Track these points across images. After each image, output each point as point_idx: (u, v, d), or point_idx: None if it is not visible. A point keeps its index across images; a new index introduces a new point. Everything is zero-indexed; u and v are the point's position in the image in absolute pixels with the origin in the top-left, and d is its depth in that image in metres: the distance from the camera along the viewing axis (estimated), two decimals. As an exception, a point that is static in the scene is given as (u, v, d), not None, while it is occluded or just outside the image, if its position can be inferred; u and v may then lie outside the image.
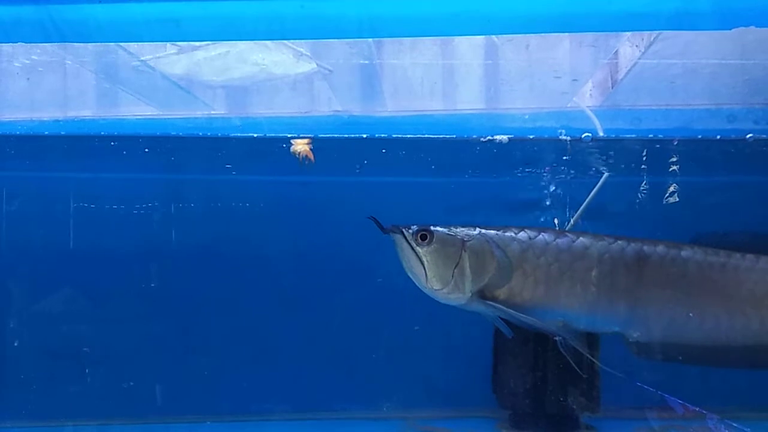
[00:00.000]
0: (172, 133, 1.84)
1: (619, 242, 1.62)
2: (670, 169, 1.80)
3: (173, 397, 2.15)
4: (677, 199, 1.71)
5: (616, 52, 1.70)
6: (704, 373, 1.85)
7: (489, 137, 1.78)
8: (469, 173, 2.04)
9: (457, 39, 1.69)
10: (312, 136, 1.83)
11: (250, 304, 2.17)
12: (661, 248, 1.62)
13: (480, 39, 1.67)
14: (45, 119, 1.90)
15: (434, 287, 1.61)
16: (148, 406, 2.14)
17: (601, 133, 1.78)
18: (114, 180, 2.21)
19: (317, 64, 1.71)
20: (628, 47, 1.67)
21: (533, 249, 1.61)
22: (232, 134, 1.86)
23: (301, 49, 1.65)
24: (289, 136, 1.81)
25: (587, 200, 1.77)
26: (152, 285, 2.13)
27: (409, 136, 1.84)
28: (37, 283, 2.16)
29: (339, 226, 1.98)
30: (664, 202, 1.72)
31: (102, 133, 1.83)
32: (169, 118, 1.94)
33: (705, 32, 1.42)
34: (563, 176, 1.82)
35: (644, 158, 1.82)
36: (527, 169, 1.85)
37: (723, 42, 1.55)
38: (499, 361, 1.86)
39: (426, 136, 1.85)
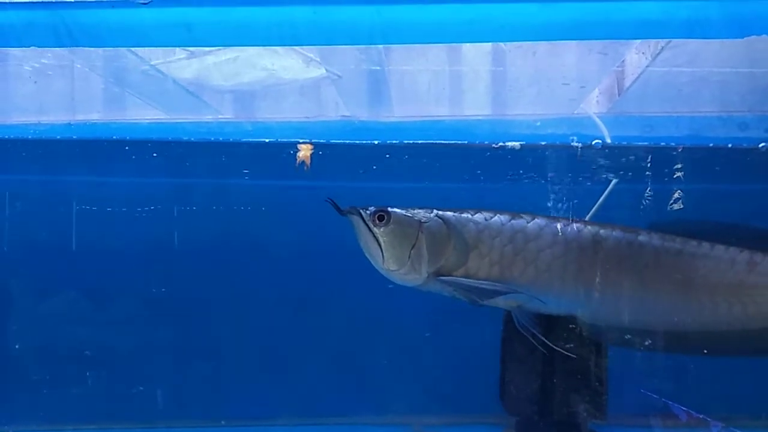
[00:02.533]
0: (184, 138, 1.85)
1: (575, 225, 1.63)
2: (675, 176, 1.80)
3: (178, 401, 2.15)
4: (682, 206, 1.71)
5: (623, 59, 1.70)
6: (709, 380, 1.84)
7: (501, 143, 1.78)
8: (481, 179, 2.04)
9: (465, 45, 1.70)
10: (323, 141, 1.83)
11: (257, 309, 2.16)
12: (617, 232, 1.63)
13: (487, 45, 1.67)
14: (52, 122, 1.91)
15: (391, 268, 1.61)
16: (152, 410, 2.13)
17: (608, 140, 1.78)
18: (120, 183, 2.21)
19: (326, 70, 1.71)
20: (635, 54, 1.67)
21: (489, 230, 1.62)
22: (244, 139, 1.86)
23: (311, 55, 1.65)
24: (300, 141, 1.81)
25: (596, 206, 1.78)
26: (163, 289, 2.13)
27: (420, 142, 1.84)
28: (44, 287, 2.15)
29: (347, 231, 1.97)
30: (669, 209, 1.73)
31: (114, 137, 1.84)
32: (177, 122, 1.95)
33: (713, 40, 1.42)
34: (572, 183, 1.82)
35: (649, 164, 1.82)
36: (537, 175, 1.86)
37: (732, 50, 1.55)
38: (506, 367, 1.85)
39: (438, 142, 1.86)
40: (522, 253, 1.60)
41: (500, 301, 1.64)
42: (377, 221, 1.61)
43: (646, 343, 1.65)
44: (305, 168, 1.84)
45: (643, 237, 1.63)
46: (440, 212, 1.65)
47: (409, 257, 1.60)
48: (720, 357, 1.72)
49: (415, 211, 1.64)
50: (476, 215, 1.64)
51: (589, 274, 1.62)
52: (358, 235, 1.64)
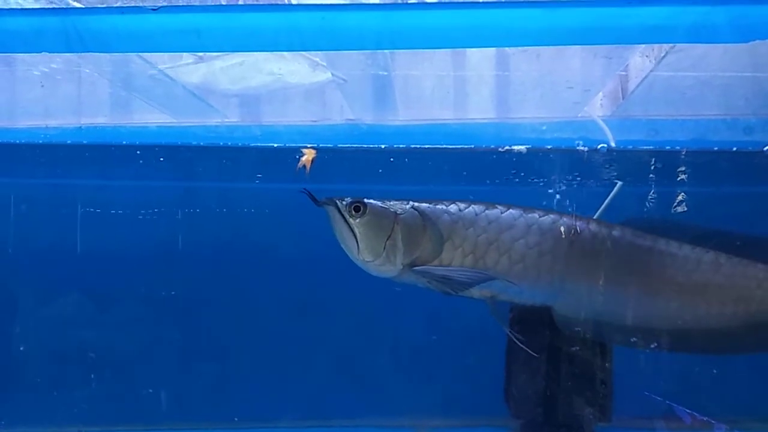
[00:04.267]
0: (192, 143, 1.85)
1: (550, 215, 1.63)
2: (679, 179, 1.82)
3: (182, 404, 2.15)
4: (685, 209, 1.72)
5: (627, 63, 1.71)
6: (713, 382, 1.85)
7: (507, 147, 1.79)
8: (487, 183, 2.06)
9: (470, 50, 1.71)
10: (329, 145, 1.84)
11: (261, 311, 2.17)
12: (592, 225, 1.64)
13: (492, 50, 1.68)
14: (60, 126, 1.92)
15: (366, 259, 1.61)
16: (156, 412, 2.13)
17: (612, 144, 1.79)
18: (125, 187, 2.21)
19: (332, 74, 1.72)
20: (639, 58, 1.68)
21: (463, 220, 1.62)
22: (252, 144, 1.87)
23: (317, 59, 1.66)
24: (309, 146, 1.82)
25: (601, 209, 1.79)
26: (172, 292, 2.14)
27: (427, 146, 1.85)
28: (55, 291, 2.16)
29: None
30: (672, 211, 1.74)
31: (123, 142, 1.84)
32: (184, 126, 1.96)
33: (718, 45, 1.43)
34: (577, 186, 1.83)
35: (653, 168, 1.83)
36: (543, 179, 1.87)
37: (736, 54, 1.56)
38: (511, 370, 1.86)
39: (444, 146, 1.87)
40: (495, 243, 1.60)
41: (475, 292, 1.63)
42: (353, 212, 1.60)
43: (618, 338, 1.66)
44: (305, 173, 1.85)
45: (616, 232, 1.64)
46: (416, 204, 1.65)
47: (384, 248, 1.60)
48: (685, 354, 1.74)
49: (391, 203, 1.64)
50: (450, 206, 1.64)
51: (562, 265, 1.62)
52: (334, 226, 1.63)
